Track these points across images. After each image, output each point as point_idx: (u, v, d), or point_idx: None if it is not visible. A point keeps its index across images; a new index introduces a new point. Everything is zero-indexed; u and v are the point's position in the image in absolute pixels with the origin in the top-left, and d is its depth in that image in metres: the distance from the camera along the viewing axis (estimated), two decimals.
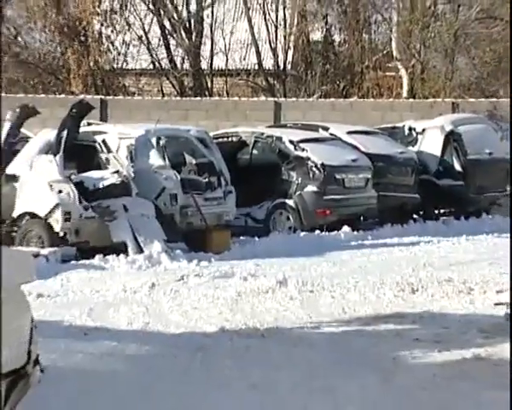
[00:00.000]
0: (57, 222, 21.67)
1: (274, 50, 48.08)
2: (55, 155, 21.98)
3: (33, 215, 22.00)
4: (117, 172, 22.59)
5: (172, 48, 49.61)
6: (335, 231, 25.15)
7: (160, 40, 49.56)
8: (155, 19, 49.04)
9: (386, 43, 47.21)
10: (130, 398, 11.35)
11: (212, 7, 48.59)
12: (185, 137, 24.70)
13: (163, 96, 46.72)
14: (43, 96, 38.28)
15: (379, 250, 23.13)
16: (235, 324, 15.40)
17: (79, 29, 46.93)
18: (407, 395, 11.86)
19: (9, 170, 22.46)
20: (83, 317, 15.48)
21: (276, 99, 41.33)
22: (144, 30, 48.98)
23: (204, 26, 49.03)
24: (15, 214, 22.22)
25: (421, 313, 16.25)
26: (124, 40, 48.72)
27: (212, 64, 49.32)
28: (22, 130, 23.34)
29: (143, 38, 49.02)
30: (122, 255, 20.98)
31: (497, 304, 16.20)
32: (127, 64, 48.89)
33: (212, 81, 49.09)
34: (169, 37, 49.33)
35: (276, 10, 47.97)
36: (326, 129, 28.68)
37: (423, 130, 29.79)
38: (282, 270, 19.46)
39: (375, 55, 46.63)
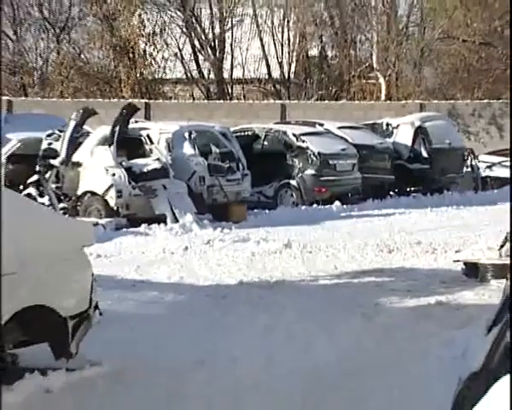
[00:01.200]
0: (112, 198, 21.76)
1: (280, 63, 48.00)
2: (109, 146, 22.03)
3: (93, 193, 22.13)
4: (158, 159, 22.60)
5: (201, 62, 49.54)
6: (329, 205, 25.13)
7: (191, 56, 49.57)
8: (187, 39, 48.89)
9: (368, 57, 47.08)
10: (167, 334, 11.48)
11: (232, 29, 48.48)
12: (211, 131, 24.70)
13: (193, 99, 46.70)
14: (100, 100, 38.34)
15: (363, 219, 23.15)
16: (250, 277, 15.57)
17: (128, 48, 46.92)
18: (385, 331, 11.98)
19: (74, 158, 22.55)
20: (131, 272, 15.69)
21: (281, 101, 41.32)
22: (179, 48, 48.90)
23: (225, 45, 49.00)
24: (79, 192, 22.31)
25: (396, 268, 16.42)
26: (163, 56, 48.72)
27: (231, 74, 49.29)
28: (84, 126, 23.33)
29: (178, 54, 48.94)
30: (162, 224, 20.99)
31: (455, 261, 16.22)
32: (165, 75, 48.82)
33: (231, 88, 49.12)
34: (198, 53, 49.23)
35: (282, 32, 47.86)
36: (321, 125, 28.63)
37: (397, 125, 29.76)
38: (287, 235, 19.53)
39: (359, 66, 46.47)
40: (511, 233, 4.42)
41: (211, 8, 49.21)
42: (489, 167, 30.47)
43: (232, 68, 49.37)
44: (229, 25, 48.86)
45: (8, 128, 28.42)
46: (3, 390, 8.88)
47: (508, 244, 15.36)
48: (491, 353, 7.15)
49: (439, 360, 9.41)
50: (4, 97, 41.28)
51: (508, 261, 13.37)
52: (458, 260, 16.17)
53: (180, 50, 49.38)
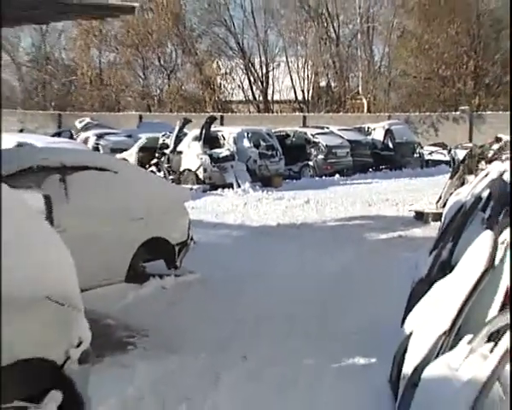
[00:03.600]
0: (200, 173, 21.74)
1: (302, 91, 47.75)
2: (199, 141, 22.01)
3: (189, 170, 22.04)
4: (228, 149, 22.54)
5: (254, 90, 49.43)
6: (332, 177, 24.98)
7: (248, 86, 49.53)
8: (246, 76, 48.83)
9: (356, 87, 46.67)
10: (234, 255, 11.48)
11: (273, 70, 48.30)
12: (260, 132, 24.55)
13: (249, 113, 46.58)
14: (193, 114, 38.20)
15: (353, 186, 22.90)
16: (285, 221, 15.50)
17: (210, 82, 47.01)
18: (367, 253, 12.01)
19: (178, 149, 22.57)
20: (212, 218, 15.64)
21: (303, 114, 41.08)
22: (241, 81, 48.80)
23: (269, 79, 48.87)
24: (181, 169, 22.23)
25: (373, 215, 16.31)
26: (231, 87, 48.71)
27: (272, 97, 49.11)
28: (184, 130, 23.31)
29: (240, 85, 48.81)
30: (230, 189, 20.85)
31: (410, 210, 16.24)
32: (233, 98, 48.76)
33: (272, 106, 48.87)
34: (252, 84, 49.12)
35: (303, 71, 47.60)
36: (327, 128, 28.47)
37: (374, 128, 29.60)
38: (307, 195, 19.38)
39: (350, 92, 46.16)
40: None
41: (260, 58, 49.02)
42: (430, 154, 30.34)
43: (273, 94, 49.14)
44: (271, 67, 48.74)
45: (140, 131, 28.75)
46: (139, 287, 9.09)
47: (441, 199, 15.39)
48: (431, 266, 7.16)
49: (401, 270, 9.43)
50: (137, 113, 41.75)
51: (441, 210, 13.34)
52: (411, 210, 16.28)
53: (241, 83, 49.07)
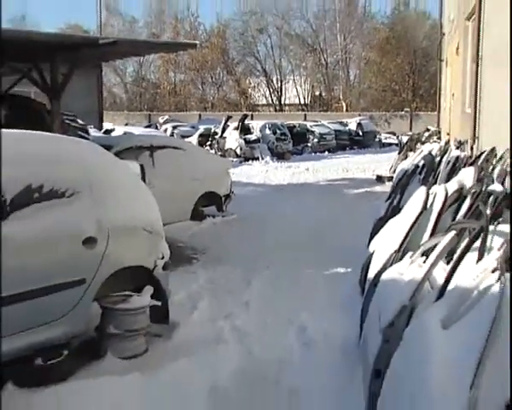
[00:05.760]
0: (238, 150, 21.53)
1: (304, 98, 47.05)
2: (237, 130, 21.75)
3: (231, 149, 21.62)
4: (256, 135, 22.22)
5: (273, 97, 48.70)
6: (323, 153, 24.71)
7: (268, 94, 48.77)
8: (267, 88, 48.18)
9: (338, 95, 45.94)
10: (260, 203, 11.41)
11: (285, 84, 47.74)
12: (277, 124, 24.14)
13: (269, 112, 45.73)
14: (233, 113, 37.65)
15: (336, 159, 22.47)
16: (292, 181, 15.31)
17: (245, 91, 46.56)
18: (347, 201, 11.83)
19: (224, 135, 22.07)
20: (244, 179, 15.35)
21: (304, 113, 40.42)
22: (264, 91, 48.17)
23: (282, 89, 48.10)
24: (225, 148, 21.72)
25: (349, 178, 16.00)
26: (258, 95, 48.14)
27: (285, 102, 48.11)
28: (228, 123, 22.93)
29: (263, 94, 48.21)
30: (257, 161, 20.66)
31: (372, 175, 15.98)
32: (259, 102, 48.17)
33: (284, 107, 47.87)
34: (271, 94, 48.33)
35: (304, 83, 47.04)
36: (320, 122, 28.09)
37: (350, 122, 29.18)
38: (307, 165, 19.14)
39: (335, 99, 45.56)
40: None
41: (276, 76, 48.12)
42: (385, 139, 29.94)
43: (285, 100, 48.33)
44: (284, 82, 48.06)
45: (199, 124, 28.48)
46: (199, 223, 9.10)
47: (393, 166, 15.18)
48: (386, 210, 7.11)
49: (367, 212, 9.28)
50: (198, 112, 41.04)
51: (392, 174, 13.19)
52: (373, 174, 16.00)
53: (264, 93, 48.44)
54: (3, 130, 3.87)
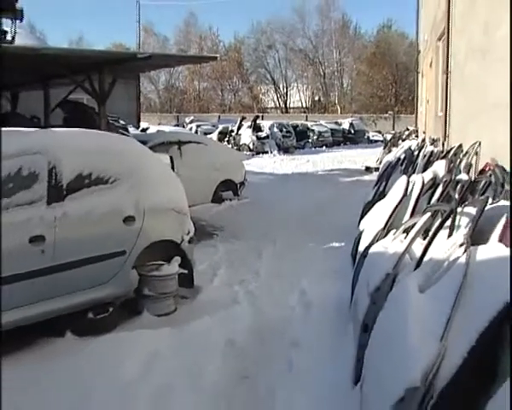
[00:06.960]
0: (251, 145, 21.28)
1: (306, 101, 46.77)
2: (250, 128, 21.54)
3: (245, 144, 21.22)
4: (266, 133, 21.95)
5: (280, 101, 48.33)
6: (321, 148, 24.49)
7: (276, 99, 48.33)
8: (275, 94, 47.81)
9: (334, 100, 45.52)
10: (269, 189, 11.28)
11: (289, 90, 47.43)
12: (283, 123, 23.92)
13: (277, 114, 45.33)
14: (246, 114, 37.33)
15: (332, 153, 22.25)
16: (296, 171, 15.13)
17: (256, 97, 46.24)
18: (341, 187, 11.70)
19: (239, 132, 21.69)
20: (257, 169, 15.10)
21: (306, 114, 39.95)
22: (272, 97, 47.94)
23: (288, 95, 47.63)
24: (240, 144, 21.17)
25: (343, 168, 15.78)
26: (267, 100, 47.90)
27: (289, 105, 47.61)
28: (242, 123, 22.66)
29: (272, 99, 47.94)
30: (266, 154, 20.47)
31: (362, 166, 15.80)
32: (268, 106, 47.82)
33: (289, 110, 47.41)
34: (278, 99, 48.02)
35: (306, 90, 46.69)
36: (319, 121, 27.88)
37: (344, 122, 28.91)
38: (308, 158, 18.98)
39: (331, 103, 45.19)
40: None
41: (283, 84, 47.70)
42: (373, 136, 29.66)
43: (290, 103, 48.00)
44: (289, 89, 47.65)
45: (219, 123, 28.30)
46: (218, 205, 9.08)
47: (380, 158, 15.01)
48: (374, 195, 7.06)
49: (358, 196, 9.11)
50: (217, 114, 40.50)
51: (379, 166, 13.05)
52: (363, 165, 15.82)
53: (272, 98, 48.15)
54: (63, 129, 4.06)
